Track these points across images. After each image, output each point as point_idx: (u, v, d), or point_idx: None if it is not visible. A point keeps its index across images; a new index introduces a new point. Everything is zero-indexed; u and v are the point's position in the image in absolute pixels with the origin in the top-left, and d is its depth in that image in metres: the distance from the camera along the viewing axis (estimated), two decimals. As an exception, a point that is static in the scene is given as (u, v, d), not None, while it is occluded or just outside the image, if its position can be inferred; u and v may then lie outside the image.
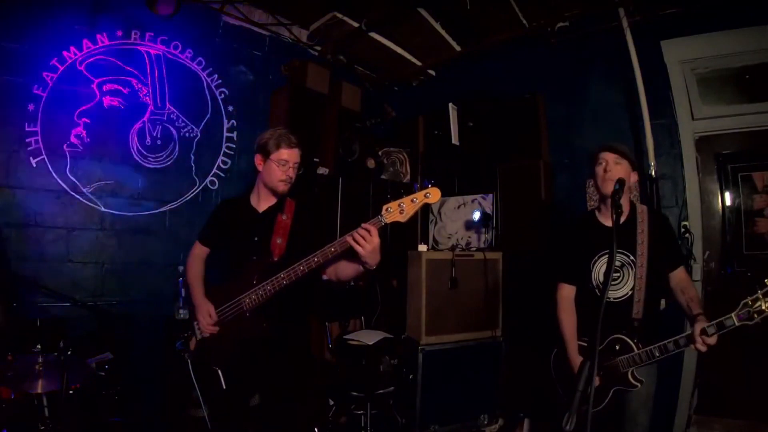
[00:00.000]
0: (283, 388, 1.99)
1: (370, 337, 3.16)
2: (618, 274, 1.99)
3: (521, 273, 3.37)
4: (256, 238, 2.01)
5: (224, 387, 1.95)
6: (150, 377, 2.92)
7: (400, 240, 3.96)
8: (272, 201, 2.08)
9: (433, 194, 1.66)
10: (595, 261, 2.05)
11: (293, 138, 2.01)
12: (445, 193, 4.06)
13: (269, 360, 1.96)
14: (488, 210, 3.75)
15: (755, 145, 2.96)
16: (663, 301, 2.20)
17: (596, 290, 2.04)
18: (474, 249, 3.62)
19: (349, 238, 1.69)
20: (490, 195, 3.76)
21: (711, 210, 3.11)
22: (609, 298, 1.97)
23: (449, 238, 3.96)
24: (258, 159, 2.04)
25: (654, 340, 1.87)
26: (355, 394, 2.96)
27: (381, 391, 2.97)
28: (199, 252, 2.23)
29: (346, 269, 1.92)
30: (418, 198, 1.66)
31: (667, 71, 3.13)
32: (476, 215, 3.76)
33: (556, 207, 3.48)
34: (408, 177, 4.19)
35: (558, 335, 2.14)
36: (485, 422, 3.17)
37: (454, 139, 3.96)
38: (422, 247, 3.30)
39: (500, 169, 3.69)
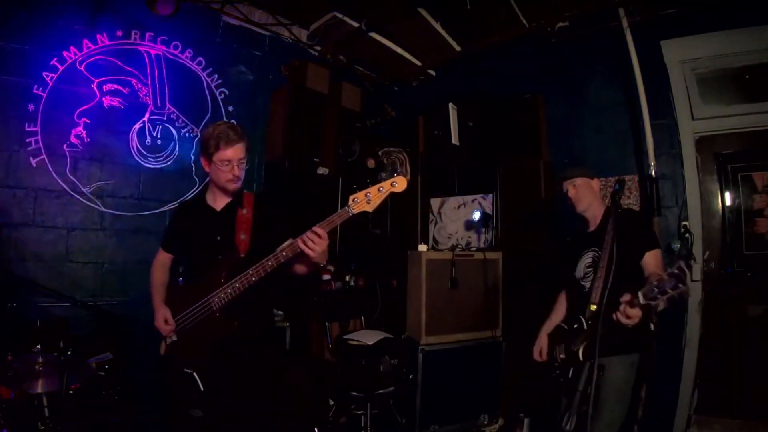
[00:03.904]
0: (257, 387, 1.93)
1: (370, 337, 3.16)
2: (590, 269, 2.21)
3: (521, 273, 3.36)
4: (218, 237, 1.95)
5: (202, 389, 1.88)
6: (150, 377, 2.92)
7: (400, 240, 3.97)
8: (228, 198, 2.02)
9: (399, 183, 1.70)
10: (579, 259, 2.29)
11: (233, 133, 1.89)
12: (445, 193, 4.06)
13: (242, 359, 1.90)
14: (488, 210, 3.75)
15: (755, 145, 2.96)
16: (663, 303, 2.21)
17: (579, 282, 2.28)
18: (474, 249, 3.62)
19: (299, 242, 1.71)
20: (490, 195, 3.76)
21: (711, 210, 3.11)
22: (585, 288, 2.17)
23: (449, 238, 3.96)
24: (203, 161, 1.96)
25: (606, 323, 1.90)
26: (355, 394, 2.96)
27: (381, 391, 2.97)
28: (163, 258, 2.16)
29: (299, 267, 1.94)
30: (385, 187, 1.69)
31: (667, 71, 3.13)
32: (476, 215, 3.76)
33: (556, 207, 3.47)
34: (408, 177, 4.19)
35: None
36: (485, 422, 3.17)
37: (454, 139, 3.95)
38: (422, 247, 3.30)
39: (500, 169, 3.68)
